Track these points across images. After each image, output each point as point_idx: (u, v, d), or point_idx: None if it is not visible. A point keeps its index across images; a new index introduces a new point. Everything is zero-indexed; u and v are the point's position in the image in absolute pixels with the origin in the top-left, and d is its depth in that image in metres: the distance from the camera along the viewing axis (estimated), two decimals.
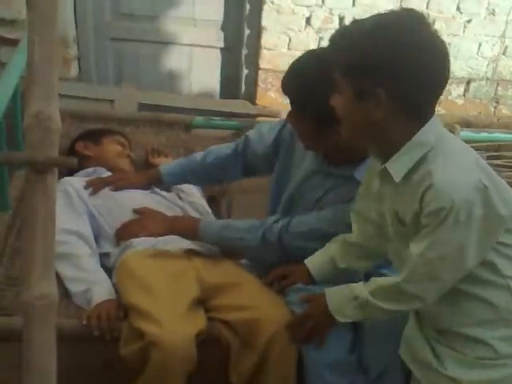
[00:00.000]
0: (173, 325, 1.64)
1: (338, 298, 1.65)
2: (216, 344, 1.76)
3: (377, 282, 1.58)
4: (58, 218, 1.97)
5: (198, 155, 2.21)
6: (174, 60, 3.73)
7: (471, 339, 1.50)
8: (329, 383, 1.71)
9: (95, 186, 2.16)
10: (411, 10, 1.40)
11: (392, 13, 1.40)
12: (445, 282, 1.45)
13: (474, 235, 1.38)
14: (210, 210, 2.41)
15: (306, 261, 1.86)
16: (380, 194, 1.55)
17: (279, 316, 1.74)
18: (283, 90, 1.77)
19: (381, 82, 1.35)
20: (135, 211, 2.11)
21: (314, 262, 1.85)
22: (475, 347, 1.50)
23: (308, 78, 1.67)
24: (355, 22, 1.42)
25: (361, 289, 1.59)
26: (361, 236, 1.76)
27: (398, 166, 1.43)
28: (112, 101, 3.41)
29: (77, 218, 2.06)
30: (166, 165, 2.30)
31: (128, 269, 1.86)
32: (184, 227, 2.04)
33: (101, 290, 1.86)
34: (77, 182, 2.18)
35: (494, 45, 3.69)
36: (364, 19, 1.41)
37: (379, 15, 1.40)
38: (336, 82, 1.43)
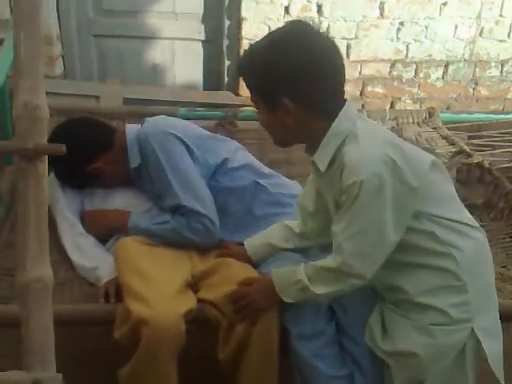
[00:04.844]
0: (162, 305, 1.70)
1: (282, 279, 1.70)
2: (206, 323, 1.80)
3: (316, 265, 1.64)
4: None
5: None
6: (156, 54, 3.77)
7: (425, 307, 1.56)
8: (316, 355, 1.74)
9: None
10: (297, 21, 1.58)
11: (280, 28, 1.58)
12: (374, 257, 1.52)
13: (389, 206, 1.47)
14: None
15: (245, 242, 1.96)
16: (318, 185, 1.69)
17: None
18: None
19: (284, 92, 1.49)
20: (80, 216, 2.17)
21: (253, 246, 1.95)
22: (429, 314, 1.56)
23: None
24: (252, 45, 1.58)
25: (302, 273, 1.64)
26: (304, 228, 1.89)
27: (321, 157, 1.57)
28: (97, 97, 3.45)
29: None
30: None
31: (124, 252, 1.93)
32: (114, 222, 2.09)
33: (108, 268, 1.96)
34: None
35: (470, 26, 3.74)
36: (260, 39, 1.57)
37: (269, 33, 1.59)
38: (254, 102, 1.58)
